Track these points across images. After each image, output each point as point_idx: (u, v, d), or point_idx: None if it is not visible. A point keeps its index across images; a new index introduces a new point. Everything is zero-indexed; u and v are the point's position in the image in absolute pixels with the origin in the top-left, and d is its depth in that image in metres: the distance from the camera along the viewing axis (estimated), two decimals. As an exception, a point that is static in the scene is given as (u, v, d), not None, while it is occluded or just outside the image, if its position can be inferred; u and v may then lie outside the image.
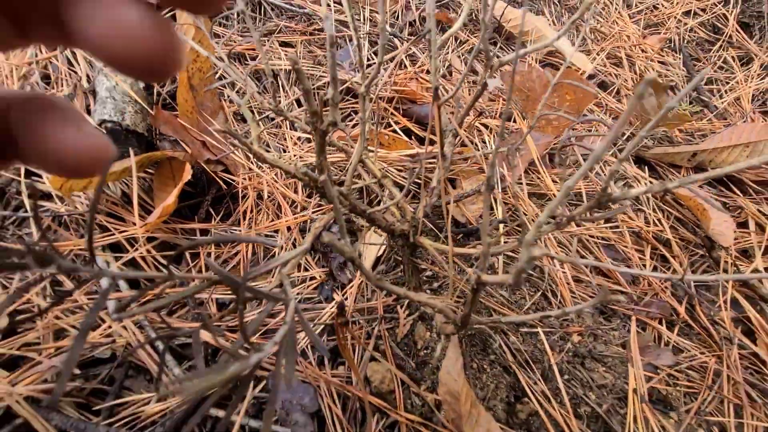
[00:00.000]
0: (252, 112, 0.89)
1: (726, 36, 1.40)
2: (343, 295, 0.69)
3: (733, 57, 1.34)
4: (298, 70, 0.31)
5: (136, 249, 0.64)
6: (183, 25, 0.74)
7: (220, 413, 0.54)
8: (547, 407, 0.60)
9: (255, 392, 0.56)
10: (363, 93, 0.42)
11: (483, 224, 0.38)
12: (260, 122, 0.88)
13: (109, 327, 0.55)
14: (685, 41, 1.39)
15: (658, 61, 1.30)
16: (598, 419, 0.60)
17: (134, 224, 0.64)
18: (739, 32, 1.42)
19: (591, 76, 1.21)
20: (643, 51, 1.32)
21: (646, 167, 1.05)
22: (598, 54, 1.26)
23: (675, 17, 1.45)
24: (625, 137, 1.09)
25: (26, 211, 0.63)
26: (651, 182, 1.00)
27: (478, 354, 0.62)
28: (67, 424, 0.47)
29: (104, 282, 0.60)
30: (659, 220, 0.93)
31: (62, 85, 0.76)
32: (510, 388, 0.60)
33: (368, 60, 1.06)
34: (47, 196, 0.66)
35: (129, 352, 0.55)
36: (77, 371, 0.50)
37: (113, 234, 0.63)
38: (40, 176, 0.66)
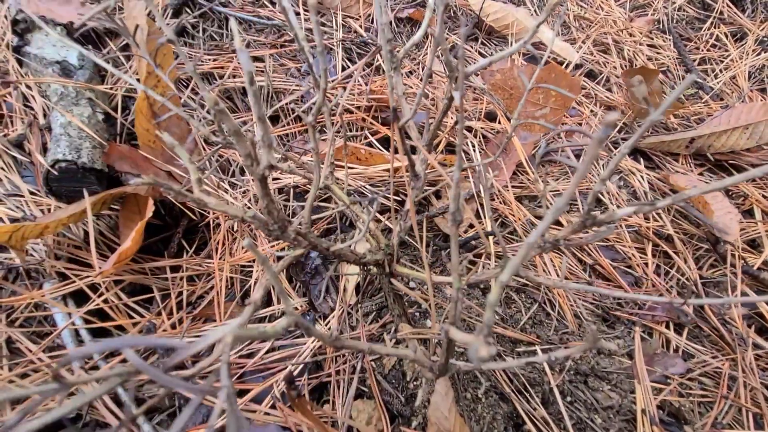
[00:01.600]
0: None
1: (716, 12, 1.34)
2: (326, 325, 0.65)
3: (725, 34, 1.29)
4: (220, 111, 0.27)
5: (101, 295, 0.60)
6: (137, 54, 0.69)
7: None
8: (550, 435, 0.56)
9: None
10: (311, 123, 0.37)
11: (452, 264, 0.33)
12: (213, 153, 0.83)
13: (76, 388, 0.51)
14: (674, 21, 1.33)
15: (648, 45, 1.25)
16: (605, 445, 0.56)
17: (96, 269, 0.60)
18: (730, 7, 1.36)
19: (578, 66, 1.16)
20: (630, 35, 1.26)
21: (641, 158, 1.00)
22: (583, 42, 1.21)
23: (662, -4, 1.39)
24: (617, 128, 1.04)
25: (-20, 265, 0.59)
26: (648, 175, 0.95)
27: (471, 382, 0.58)
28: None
29: (66, 337, 0.56)
30: (659, 214, 0.88)
31: (16, 124, 0.72)
32: (508, 418, 0.56)
33: (342, 68, 1.01)
34: (1, 248, 0.62)
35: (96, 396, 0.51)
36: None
37: (74, 281, 0.59)
38: (-6, 225, 0.62)
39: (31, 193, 0.66)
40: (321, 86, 0.35)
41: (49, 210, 0.65)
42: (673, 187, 0.93)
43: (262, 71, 0.97)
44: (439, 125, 0.47)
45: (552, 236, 0.36)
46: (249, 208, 0.37)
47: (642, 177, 0.95)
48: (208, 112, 0.83)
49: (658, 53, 1.23)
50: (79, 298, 0.61)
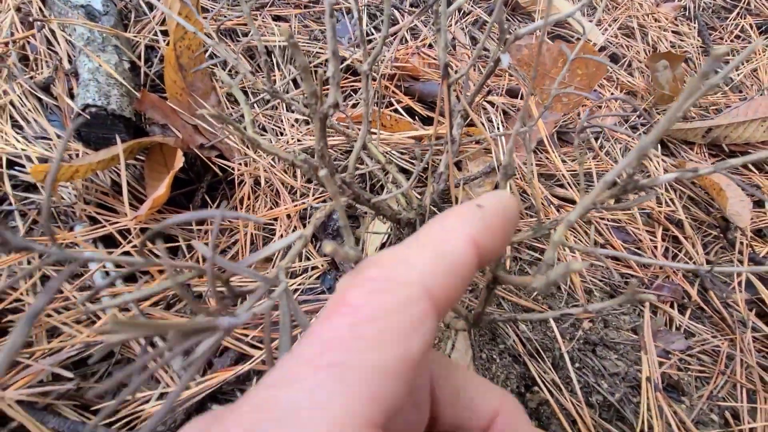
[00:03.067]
0: (246, 94, 0.85)
1: (744, 2, 1.33)
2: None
3: (750, 25, 1.28)
4: (293, 44, 0.28)
5: (129, 241, 0.61)
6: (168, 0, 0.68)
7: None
8: (558, 396, 0.59)
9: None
10: (366, 71, 0.38)
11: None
12: (255, 104, 0.83)
13: (106, 323, 0.53)
14: (701, 9, 1.32)
15: (672, 31, 1.24)
16: (610, 408, 0.59)
17: (126, 215, 0.61)
18: (757, -2, 1.34)
19: (602, 48, 1.15)
20: (656, 20, 1.25)
21: (658, 144, 1.01)
22: (609, 25, 1.20)
23: (690, -17, 1.37)
24: (636, 113, 1.05)
25: (10, 204, 0.60)
26: (663, 161, 0.96)
27: (488, 344, 0.60)
28: (63, 426, 0.46)
29: (97, 278, 0.58)
30: (672, 200, 0.90)
31: (41, 67, 0.71)
32: (520, 378, 0.59)
33: (368, 34, 1.00)
34: (33, 187, 0.62)
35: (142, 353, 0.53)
36: (69, 374, 0.48)
37: (104, 226, 0.60)
38: (23, 166, 0.63)
39: (58, 136, 0.66)
40: (382, 34, 0.35)
41: (77, 155, 0.65)
42: (704, 176, 0.94)
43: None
44: (481, 87, 0.47)
45: (597, 200, 0.37)
46: (298, 153, 0.37)
47: (658, 163, 0.96)
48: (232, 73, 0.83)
49: (682, 40, 1.22)
50: (108, 242, 0.62)
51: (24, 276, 0.49)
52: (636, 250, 0.85)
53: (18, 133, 0.64)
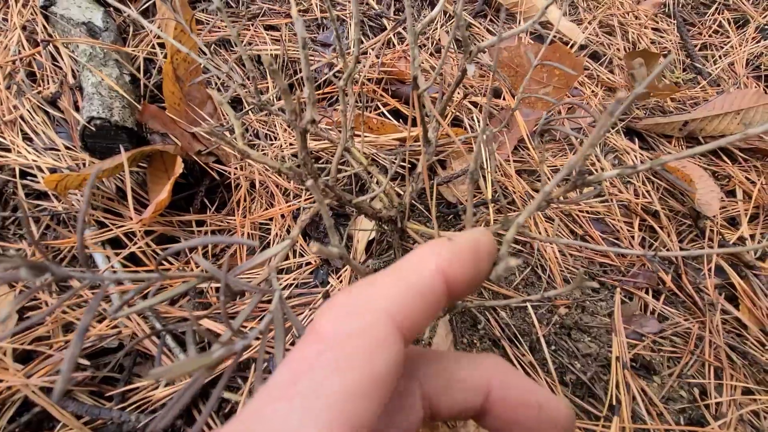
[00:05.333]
0: (240, 102, 0.89)
1: (722, -2, 1.37)
2: (338, 279, 0.72)
3: (728, 20, 1.32)
4: (273, 71, 0.32)
5: (135, 243, 0.66)
6: (162, 18, 0.73)
7: (232, 396, 0.58)
8: (534, 376, 0.63)
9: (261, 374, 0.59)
10: (342, 87, 0.42)
11: (467, 217, 0.39)
12: (250, 111, 0.88)
13: (114, 319, 0.58)
14: (680, 5, 1.35)
15: (652, 28, 1.28)
16: (582, 386, 0.64)
17: (131, 219, 0.66)
18: (735, -7, 1.38)
19: (582, 47, 1.19)
20: (636, 18, 1.29)
21: (636, 139, 1.06)
22: (590, 23, 1.24)
23: (670, -20, 1.40)
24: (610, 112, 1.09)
25: (24, 212, 0.64)
26: (641, 155, 1.01)
27: (469, 329, 0.65)
28: (82, 410, 0.51)
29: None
30: (648, 192, 0.95)
31: (48, 82, 0.76)
32: (499, 361, 0.63)
33: (360, 42, 1.04)
34: (44, 195, 0.67)
35: (136, 341, 0.58)
36: (87, 362, 0.53)
37: (111, 229, 0.65)
38: (34, 176, 0.68)
39: (66, 147, 0.71)
40: (354, 54, 0.40)
41: (84, 164, 0.70)
42: (664, 167, 0.99)
43: (278, 40, 1.00)
44: (451, 96, 0.52)
45: (551, 195, 0.42)
46: (284, 161, 0.42)
47: (636, 156, 1.01)
48: (226, 82, 0.87)
49: (661, 37, 1.26)
50: (115, 244, 0.67)
51: (66, 299, 0.53)
52: (614, 240, 0.90)
53: (29, 145, 0.69)
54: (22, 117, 0.71)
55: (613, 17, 1.27)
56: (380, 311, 0.21)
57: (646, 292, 0.82)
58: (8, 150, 0.68)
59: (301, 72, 0.93)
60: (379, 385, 0.19)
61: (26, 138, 0.70)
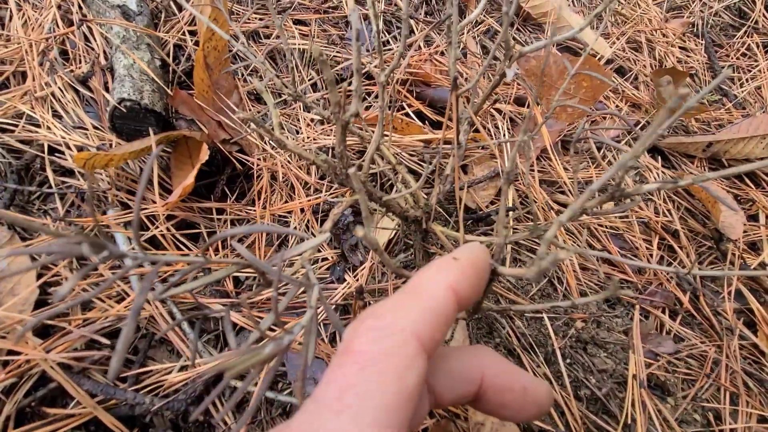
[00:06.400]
0: (272, 97, 0.89)
1: (752, 21, 1.36)
2: (354, 277, 0.71)
3: (757, 44, 1.30)
4: (322, 61, 0.32)
5: (157, 227, 0.66)
6: (198, 4, 0.73)
7: (238, 383, 0.58)
8: (549, 389, 0.63)
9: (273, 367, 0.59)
10: (382, 82, 0.42)
11: (499, 217, 0.39)
12: (286, 101, 0.88)
13: (133, 301, 0.58)
14: (709, 26, 1.34)
15: (679, 47, 1.27)
16: (597, 402, 0.63)
17: (154, 202, 0.66)
18: (766, 17, 1.37)
19: (609, 61, 1.19)
20: (664, 35, 1.28)
21: (659, 157, 1.05)
22: (617, 38, 1.23)
23: (700, 0, 1.40)
24: (639, 126, 1.08)
25: (50, 187, 0.65)
26: (663, 173, 1.00)
27: (484, 336, 0.64)
28: (97, 389, 0.51)
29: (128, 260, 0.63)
30: (669, 210, 0.94)
31: (80, 62, 0.77)
32: (513, 370, 0.63)
33: (384, 44, 1.04)
34: (70, 173, 0.68)
35: (169, 327, 0.58)
36: (106, 341, 0.53)
37: (133, 211, 0.65)
38: (62, 152, 0.68)
39: (94, 127, 0.72)
40: (400, 50, 0.39)
41: (110, 144, 0.70)
42: (687, 187, 0.98)
43: (306, 35, 1.01)
44: (486, 98, 0.51)
45: (585, 206, 0.41)
46: (318, 153, 0.42)
47: (658, 174, 1.00)
48: (253, 73, 0.88)
49: (688, 56, 1.25)
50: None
51: (115, 279, 0.53)
52: (632, 257, 0.89)
53: (58, 122, 0.69)
54: (53, 94, 0.71)
55: (641, 34, 1.26)
56: (407, 332, 0.24)
57: (663, 312, 0.81)
58: (38, 126, 0.68)
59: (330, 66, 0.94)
60: (412, 398, 0.22)
61: (56, 115, 0.70)
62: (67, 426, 0.49)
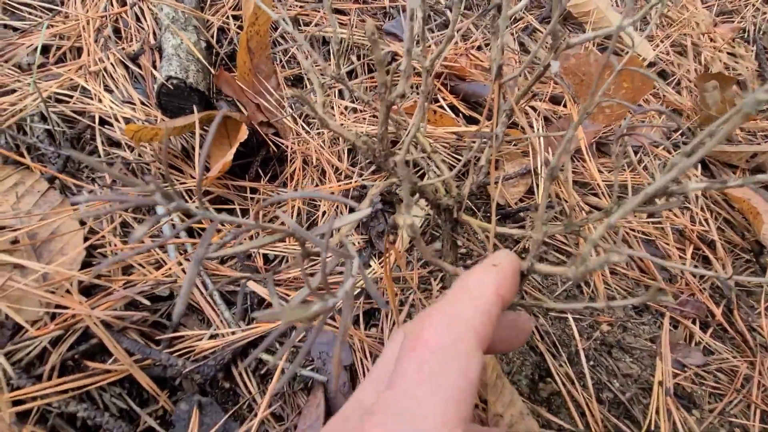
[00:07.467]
0: (302, 80, 0.91)
1: (809, 29, 1.29)
2: (380, 263, 0.72)
3: (813, 53, 1.24)
4: (373, 41, 0.33)
5: (193, 201, 0.68)
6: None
7: (268, 357, 0.59)
8: (570, 389, 0.62)
9: (294, 341, 0.61)
10: (427, 67, 0.42)
11: (539, 212, 0.39)
12: (312, 91, 0.90)
13: (170, 269, 0.61)
14: (761, 32, 1.28)
15: (727, 53, 1.22)
16: (619, 406, 0.62)
17: (193, 177, 0.69)
18: (825, 26, 1.29)
19: (651, 64, 1.15)
20: (711, 40, 1.23)
21: (698, 164, 1.01)
22: (662, 41, 1.19)
23: (753, 5, 1.33)
24: (679, 132, 1.05)
25: (99, 156, 0.68)
26: (702, 179, 0.96)
27: (507, 331, 0.64)
28: (134, 348, 0.53)
29: (165, 229, 0.65)
30: (706, 220, 0.90)
31: (132, 40, 0.80)
32: (535, 367, 0.62)
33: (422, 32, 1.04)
34: (117, 144, 0.71)
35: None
36: (147, 302, 0.56)
37: (174, 185, 0.68)
38: (111, 125, 0.71)
39: (141, 103, 0.75)
40: (449, 33, 0.40)
41: (155, 120, 0.73)
42: (727, 197, 0.94)
43: (345, 25, 1.02)
44: (529, 90, 0.51)
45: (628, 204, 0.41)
46: (360, 135, 0.42)
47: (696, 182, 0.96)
48: (291, 59, 0.89)
49: (736, 62, 1.20)
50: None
51: (173, 235, 0.56)
52: (672, 262, 0.86)
53: (109, 96, 0.73)
54: (105, 69, 0.75)
55: (687, 37, 1.22)
56: (468, 325, 0.27)
57: (693, 323, 0.78)
58: (90, 98, 0.72)
59: (366, 56, 0.95)
60: (474, 384, 0.25)
61: (107, 89, 0.74)
62: (105, 380, 0.52)
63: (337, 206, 0.78)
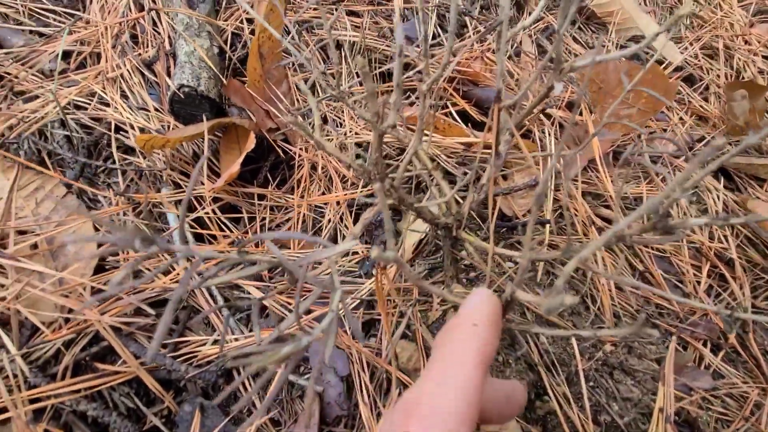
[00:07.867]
0: (314, 85, 0.91)
1: None
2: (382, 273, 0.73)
3: None
4: (365, 74, 0.33)
5: (203, 208, 0.71)
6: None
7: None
8: (566, 409, 0.62)
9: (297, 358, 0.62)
10: (423, 92, 0.42)
11: (526, 237, 0.39)
12: (326, 99, 0.90)
13: (177, 274, 0.63)
14: (803, 33, 1.20)
15: (763, 56, 1.15)
16: (617, 429, 0.61)
17: (202, 184, 0.71)
18: None
19: (678, 69, 1.10)
20: (746, 42, 1.16)
21: (722, 176, 0.97)
22: (691, 43, 1.14)
23: (796, 3, 1.25)
24: (703, 141, 1.00)
25: (114, 163, 0.71)
26: (725, 195, 0.92)
27: (506, 348, 0.64)
28: (141, 352, 0.56)
29: (176, 237, 0.68)
30: (726, 237, 0.87)
31: (148, 46, 0.82)
32: (532, 386, 0.62)
33: (436, 36, 1.03)
34: (131, 151, 0.74)
35: (210, 309, 0.63)
36: (151, 311, 0.58)
37: (184, 191, 0.70)
38: (126, 131, 0.74)
39: (156, 109, 0.77)
40: (444, 62, 0.39)
41: (168, 127, 0.76)
42: (750, 213, 0.90)
43: (358, 27, 1.01)
44: (530, 112, 0.50)
45: (623, 232, 0.40)
46: (358, 156, 0.43)
47: (718, 196, 0.92)
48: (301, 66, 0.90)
49: (772, 67, 1.13)
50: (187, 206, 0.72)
51: (162, 270, 0.58)
52: (677, 282, 0.83)
53: (125, 103, 0.75)
54: (122, 76, 0.77)
55: (719, 39, 1.15)
56: (458, 420, 0.27)
57: (704, 344, 0.76)
58: (107, 105, 0.74)
59: (378, 60, 0.94)
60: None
61: (123, 96, 0.76)
62: (114, 381, 0.55)
63: (343, 215, 0.79)
